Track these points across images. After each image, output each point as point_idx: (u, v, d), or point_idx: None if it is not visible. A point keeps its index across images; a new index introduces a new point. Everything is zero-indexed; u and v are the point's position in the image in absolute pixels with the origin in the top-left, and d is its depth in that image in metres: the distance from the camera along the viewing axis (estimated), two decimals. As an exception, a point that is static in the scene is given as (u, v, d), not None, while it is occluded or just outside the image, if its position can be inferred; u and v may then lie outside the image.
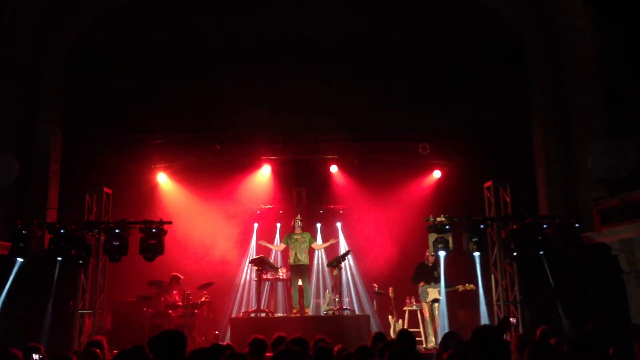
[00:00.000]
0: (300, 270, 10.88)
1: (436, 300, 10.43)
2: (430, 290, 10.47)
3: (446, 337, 5.79)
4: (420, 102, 11.66)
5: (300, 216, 11.50)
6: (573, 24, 11.11)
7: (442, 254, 9.99)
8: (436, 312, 10.39)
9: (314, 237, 11.75)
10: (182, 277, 11.28)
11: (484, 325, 4.28)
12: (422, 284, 10.57)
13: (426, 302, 10.48)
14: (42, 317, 9.71)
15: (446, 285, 10.34)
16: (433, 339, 10.18)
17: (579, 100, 11.04)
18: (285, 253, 11.59)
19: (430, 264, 10.61)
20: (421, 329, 10.65)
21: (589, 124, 10.73)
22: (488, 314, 10.48)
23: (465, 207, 10.89)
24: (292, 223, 11.23)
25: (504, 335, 8.16)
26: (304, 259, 10.90)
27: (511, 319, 9.66)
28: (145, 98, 11.69)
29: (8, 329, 9.48)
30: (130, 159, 12.17)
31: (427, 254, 10.60)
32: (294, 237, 11.02)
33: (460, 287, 10.43)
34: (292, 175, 13.00)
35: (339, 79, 11.80)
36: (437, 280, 10.41)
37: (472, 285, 10.36)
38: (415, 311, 10.95)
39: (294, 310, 10.80)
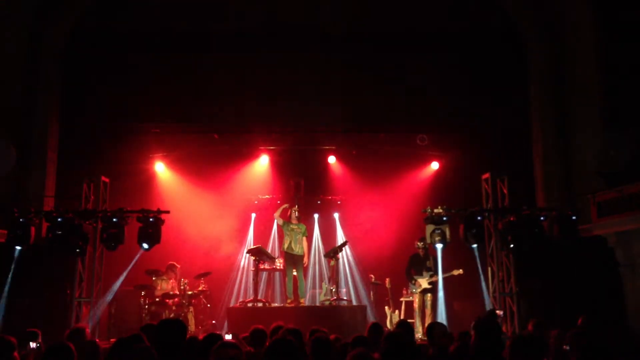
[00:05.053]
0: (294, 260, 10.92)
1: (427, 291, 10.29)
2: (420, 280, 10.35)
3: (429, 327, 5.79)
4: (419, 93, 11.64)
5: (298, 207, 11.51)
6: (572, 16, 11.09)
7: (439, 246, 9.93)
8: (428, 303, 10.22)
9: (311, 228, 11.68)
10: (178, 265, 11.28)
11: (486, 316, 4.29)
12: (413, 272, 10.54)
13: (417, 293, 10.36)
14: (40, 305, 9.71)
15: (443, 272, 10.26)
16: (420, 330, 9.90)
17: (577, 92, 11.04)
18: (280, 242, 11.66)
19: (422, 255, 10.53)
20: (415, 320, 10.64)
21: (587, 117, 10.73)
22: (484, 306, 10.51)
23: (463, 199, 10.90)
24: (289, 213, 11.26)
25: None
26: (298, 249, 10.92)
27: (498, 312, 9.60)
28: (143, 87, 11.65)
29: (5, 316, 9.47)
30: (128, 148, 12.11)
31: (417, 245, 10.54)
32: (291, 226, 11.06)
33: (455, 272, 10.25)
34: (290, 166, 12.97)
35: (337, 69, 11.77)
36: (429, 270, 10.35)
37: (460, 270, 10.25)
38: (411, 302, 10.93)
39: (288, 300, 10.83)
